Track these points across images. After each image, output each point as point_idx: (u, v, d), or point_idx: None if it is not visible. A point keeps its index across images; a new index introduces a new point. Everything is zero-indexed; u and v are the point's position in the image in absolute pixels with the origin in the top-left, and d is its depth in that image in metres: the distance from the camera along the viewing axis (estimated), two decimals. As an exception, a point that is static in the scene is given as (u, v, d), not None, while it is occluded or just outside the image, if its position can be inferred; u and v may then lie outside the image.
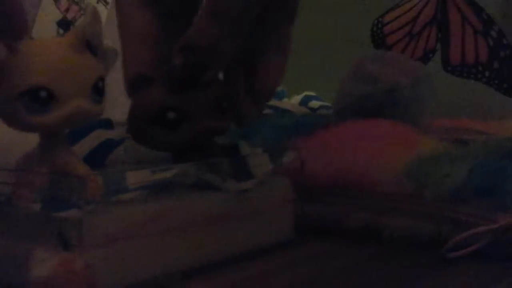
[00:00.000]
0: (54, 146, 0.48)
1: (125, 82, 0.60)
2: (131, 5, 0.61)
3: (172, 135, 0.57)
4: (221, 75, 0.62)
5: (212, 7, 0.55)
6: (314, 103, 0.98)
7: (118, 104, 0.59)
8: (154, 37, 0.60)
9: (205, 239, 0.54)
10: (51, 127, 0.47)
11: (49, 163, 0.48)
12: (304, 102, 0.98)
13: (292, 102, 0.98)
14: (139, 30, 0.61)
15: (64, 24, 1.07)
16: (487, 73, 0.85)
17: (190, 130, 0.57)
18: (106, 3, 1.06)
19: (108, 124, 0.75)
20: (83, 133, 0.72)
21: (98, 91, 0.48)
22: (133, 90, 0.59)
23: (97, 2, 1.06)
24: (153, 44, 0.60)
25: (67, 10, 1.08)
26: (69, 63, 0.47)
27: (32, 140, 0.50)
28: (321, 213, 0.64)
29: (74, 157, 0.49)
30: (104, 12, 1.06)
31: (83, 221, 0.43)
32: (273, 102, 0.89)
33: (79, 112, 0.47)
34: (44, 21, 1.05)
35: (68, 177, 0.47)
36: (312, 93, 1.01)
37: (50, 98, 0.45)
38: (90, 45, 0.49)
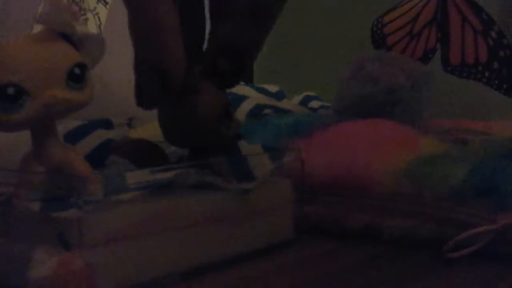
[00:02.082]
0: (47, 142, 0.48)
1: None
2: None
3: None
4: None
5: (252, 5, 0.55)
6: (314, 103, 0.98)
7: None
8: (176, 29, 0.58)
9: (205, 239, 0.53)
10: (30, 122, 0.46)
11: (47, 161, 0.48)
12: (304, 102, 0.98)
13: (293, 102, 0.97)
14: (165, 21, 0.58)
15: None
16: (487, 73, 0.84)
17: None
18: (106, 3, 1.06)
19: (108, 124, 0.75)
20: (83, 133, 0.72)
21: (75, 78, 0.47)
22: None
23: (97, 2, 1.06)
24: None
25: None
26: (36, 56, 0.46)
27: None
28: (321, 213, 0.64)
29: (72, 153, 0.49)
30: (103, 12, 1.06)
31: (82, 221, 0.43)
32: (273, 102, 0.89)
33: (55, 102, 0.46)
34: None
35: (67, 176, 0.46)
36: (312, 94, 1.01)
37: (19, 94, 0.45)
38: (64, 34, 0.48)
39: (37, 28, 0.49)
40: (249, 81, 1.02)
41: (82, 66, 0.48)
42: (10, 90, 0.44)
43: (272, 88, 0.99)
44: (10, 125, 0.45)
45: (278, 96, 0.96)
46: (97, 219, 0.45)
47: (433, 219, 0.59)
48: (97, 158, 0.71)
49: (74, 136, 0.69)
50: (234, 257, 0.55)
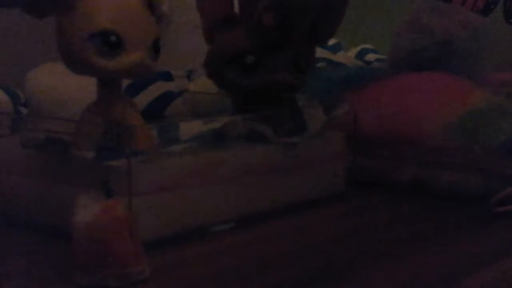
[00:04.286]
0: (111, 96, 0.51)
1: (206, 24, 0.61)
2: None
3: (247, 79, 0.58)
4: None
5: None
6: (371, 56, 0.97)
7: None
8: None
9: (255, 189, 0.55)
10: (116, 73, 0.49)
11: (106, 113, 0.50)
12: (361, 55, 0.97)
13: (349, 55, 0.97)
14: None
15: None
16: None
17: (263, 78, 0.58)
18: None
19: (167, 76, 0.77)
20: (144, 85, 0.74)
21: (156, 49, 0.50)
22: (216, 31, 0.60)
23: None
24: None
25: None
26: (139, 16, 0.49)
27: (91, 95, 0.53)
28: (372, 166, 0.65)
29: (131, 108, 0.51)
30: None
31: (130, 170, 0.45)
32: (327, 55, 0.89)
33: (141, 65, 0.49)
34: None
35: (119, 127, 0.49)
36: (369, 46, 1.00)
37: (119, 44, 0.47)
38: (151, 5, 0.51)
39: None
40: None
41: (158, 40, 0.50)
42: (113, 38, 0.47)
43: (329, 41, 0.98)
44: (106, 71, 0.48)
45: (335, 48, 0.95)
46: (145, 168, 0.47)
47: (482, 173, 0.59)
48: (156, 109, 0.73)
49: (135, 88, 0.71)
50: (283, 208, 0.57)
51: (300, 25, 0.58)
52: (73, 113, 0.56)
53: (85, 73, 0.50)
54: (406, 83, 0.67)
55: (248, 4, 0.59)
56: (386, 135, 0.64)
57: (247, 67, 0.58)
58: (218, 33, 0.60)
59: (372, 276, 0.44)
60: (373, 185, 0.64)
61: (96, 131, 0.48)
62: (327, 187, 0.62)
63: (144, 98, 0.73)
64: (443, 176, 0.61)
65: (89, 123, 0.49)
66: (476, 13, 0.82)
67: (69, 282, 0.41)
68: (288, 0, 0.56)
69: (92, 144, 0.47)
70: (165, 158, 0.49)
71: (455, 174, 0.60)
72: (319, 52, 0.88)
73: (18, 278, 0.43)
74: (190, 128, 0.52)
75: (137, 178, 0.46)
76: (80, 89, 0.60)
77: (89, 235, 0.40)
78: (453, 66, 0.72)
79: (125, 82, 0.66)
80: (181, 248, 0.48)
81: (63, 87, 0.66)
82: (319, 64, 0.84)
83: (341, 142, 0.63)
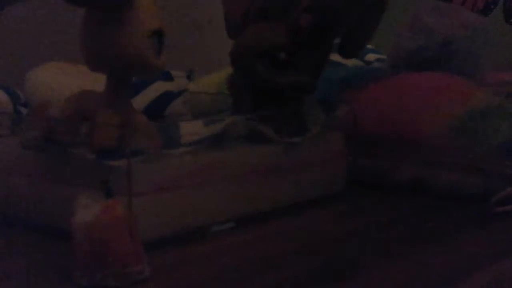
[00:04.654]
0: (120, 96, 0.50)
1: (234, 15, 0.61)
2: None
3: (276, 75, 0.58)
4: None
5: None
6: (371, 56, 0.97)
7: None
8: None
9: (256, 190, 0.55)
10: (161, 71, 0.50)
11: (114, 110, 0.50)
12: (361, 55, 0.97)
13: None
14: None
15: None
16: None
17: (290, 77, 0.58)
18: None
19: (167, 76, 0.77)
20: (143, 85, 0.75)
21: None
22: (245, 24, 0.60)
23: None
24: None
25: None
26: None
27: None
28: (372, 166, 0.65)
29: (134, 108, 0.52)
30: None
31: (130, 170, 0.45)
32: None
33: None
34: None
35: (128, 127, 0.49)
36: (369, 46, 1.00)
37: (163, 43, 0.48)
38: None
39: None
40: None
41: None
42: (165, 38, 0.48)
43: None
44: (159, 68, 0.49)
45: (334, 49, 0.95)
46: (145, 168, 0.47)
47: (482, 173, 0.59)
48: (156, 109, 0.73)
49: (135, 88, 0.71)
50: (283, 208, 0.57)
51: (336, 31, 0.58)
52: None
53: (136, 71, 0.50)
54: (406, 83, 0.67)
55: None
56: (386, 135, 0.64)
57: (279, 64, 0.57)
58: (250, 25, 0.59)
59: (372, 276, 0.44)
60: (373, 185, 0.64)
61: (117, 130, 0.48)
62: (327, 187, 0.62)
63: (144, 98, 0.74)
64: (443, 176, 0.61)
65: (110, 122, 0.49)
66: (476, 13, 0.82)
67: (69, 282, 0.41)
68: (328, 4, 0.56)
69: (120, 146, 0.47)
70: (165, 158, 0.49)
71: (455, 174, 0.60)
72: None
73: (18, 278, 0.43)
74: (190, 128, 0.52)
75: (137, 178, 0.46)
76: (80, 89, 0.60)
77: (89, 235, 0.40)
78: (453, 66, 0.72)
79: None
80: (181, 248, 0.48)
81: (63, 87, 0.66)
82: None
83: (341, 142, 0.63)
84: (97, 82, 0.51)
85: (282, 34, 0.58)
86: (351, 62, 0.84)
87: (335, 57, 0.90)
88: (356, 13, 0.58)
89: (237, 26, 0.60)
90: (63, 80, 0.67)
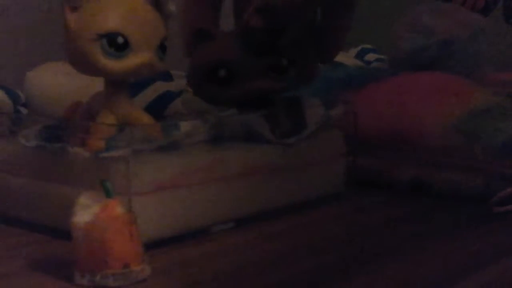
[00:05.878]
0: (118, 96, 0.51)
1: (186, 37, 0.61)
2: None
3: (223, 92, 0.58)
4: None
5: None
6: (371, 56, 0.97)
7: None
8: None
9: (255, 189, 0.55)
10: (122, 74, 0.49)
11: (113, 111, 0.50)
12: (361, 55, 0.98)
13: (349, 54, 0.97)
14: None
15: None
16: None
17: (239, 89, 0.58)
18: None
19: (167, 76, 0.77)
20: (143, 85, 0.74)
21: (163, 48, 0.50)
22: (193, 45, 0.60)
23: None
24: (214, 1, 0.62)
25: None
26: (146, 16, 0.49)
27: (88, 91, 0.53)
28: (372, 166, 0.65)
29: (136, 107, 0.52)
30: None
31: (130, 170, 0.46)
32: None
33: (148, 65, 0.49)
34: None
35: (133, 126, 0.49)
36: (369, 46, 1.01)
37: (126, 45, 0.48)
38: (158, 4, 0.51)
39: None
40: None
41: (165, 39, 0.51)
42: (120, 39, 0.48)
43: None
44: (113, 71, 0.48)
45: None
46: (145, 168, 0.47)
47: (482, 173, 0.59)
48: (156, 109, 0.73)
49: (135, 88, 0.71)
50: (283, 208, 0.57)
51: (290, 31, 0.58)
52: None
53: (91, 73, 0.50)
54: (406, 83, 0.67)
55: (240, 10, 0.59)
56: (386, 135, 0.64)
57: (221, 80, 0.58)
58: (195, 47, 0.60)
59: (372, 276, 0.44)
60: (373, 185, 0.64)
61: (111, 130, 0.48)
62: (327, 187, 0.62)
63: (144, 98, 0.73)
64: (443, 176, 0.61)
65: (103, 122, 0.49)
66: (476, 13, 0.82)
67: (69, 282, 0.41)
68: (278, 3, 0.56)
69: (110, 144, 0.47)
70: (165, 158, 0.49)
71: (455, 174, 0.60)
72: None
73: (18, 278, 0.43)
74: (189, 128, 0.52)
75: (137, 178, 0.46)
76: (80, 89, 0.61)
77: (89, 235, 0.40)
78: (453, 66, 0.72)
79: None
80: (181, 248, 0.48)
81: (63, 87, 0.66)
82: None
83: (341, 142, 0.63)
84: (97, 82, 0.51)
85: (223, 49, 0.58)
86: (351, 62, 0.84)
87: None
88: (310, 13, 0.58)
89: (189, 46, 0.61)
90: (63, 80, 0.67)
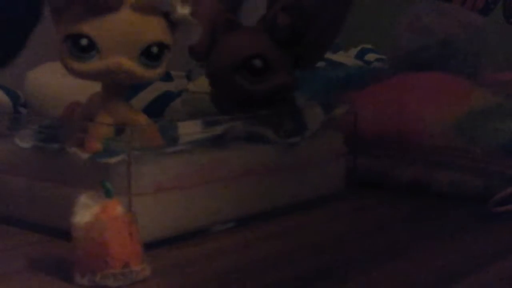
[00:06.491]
0: (114, 97, 0.50)
1: (206, 28, 0.59)
2: None
3: (255, 83, 0.57)
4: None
5: None
6: (371, 56, 0.97)
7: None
8: None
9: (255, 189, 0.55)
10: (86, 76, 0.49)
11: (112, 114, 0.50)
12: (361, 55, 0.98)
13: (349, 54, 0.97)
14: None
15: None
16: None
17: (270, 82, 0.57)
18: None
19: (167, 76, 0.77)
20: (143, 85, 0.74)
21: (149, 55, 0.48)
22: (217, 35, 0.59)
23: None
24: None
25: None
26: (124, 21, 0.48)
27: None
28: (372, 166, 0.65)
29: (133, 109, 0.51)
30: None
31: (130, 170, 0.46)
32: (327, 55, 0.89)
33: (120, 70, 0.48)
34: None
35: (132, 127, 0.49)
36: (369, 46, 1.01)
37: (91, 47, 0.47)
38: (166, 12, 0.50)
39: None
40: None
41: (163, 46, 0.49)
42: (83, 41, 0.47)
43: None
44: (77, 73, 0.48)
45: (333, 48, 0.95)
46: (145, 168, 0.47)
47: (481, 173, 0.59)
48: (156, 109, 0.73)
49: (135, 88, 0.71)
50: (283, 208, 0.57)
51: (313, 27, 0.58)
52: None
53: (69, 74, 0.50)
54: (406, 83, 0.68)
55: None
56: (386, 135, 0.64)
57: (255, 71, 0.57)
58: (220, 38, 0.59)
59: (372, 276, 0.44)
60: (373, 185, 0.64)
61: (108, 131, 0.48)
62: (327, 187, 0.62)
63: (144, 98, 0.73)
64: (443, 176, 0.61)
65: (101, 123, 0.49)
66: (476, 12, 0.82)
67: (69, 282, 0.41)
68: (305, 2, 0.56)
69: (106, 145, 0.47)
70: (165, 158, 0.49)
71: (455, 174, 0.60)
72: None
73: (18, 278, 0.43)
74: (189, 128, 0.52)
75: (137, 178, 0.46)
76: (80, 89, 0.60)
77: (89, 235, 0.40)
78: (453, 66, 0.72)
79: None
80: (181, 248, 0.48)
81: (62, 87, 0.66)
82: (319, 64, 0.84)
83: (341, 142, 0.63)
84: (97, 82, 0.51)
85: (254, 40, 0.58)
86: (351, 62, 0.84)
87: (335, 57, 0.91)
88: (330, 13, 0.58)
89: (205, 46, 0.59)
90: (63, 80, 0.67)
